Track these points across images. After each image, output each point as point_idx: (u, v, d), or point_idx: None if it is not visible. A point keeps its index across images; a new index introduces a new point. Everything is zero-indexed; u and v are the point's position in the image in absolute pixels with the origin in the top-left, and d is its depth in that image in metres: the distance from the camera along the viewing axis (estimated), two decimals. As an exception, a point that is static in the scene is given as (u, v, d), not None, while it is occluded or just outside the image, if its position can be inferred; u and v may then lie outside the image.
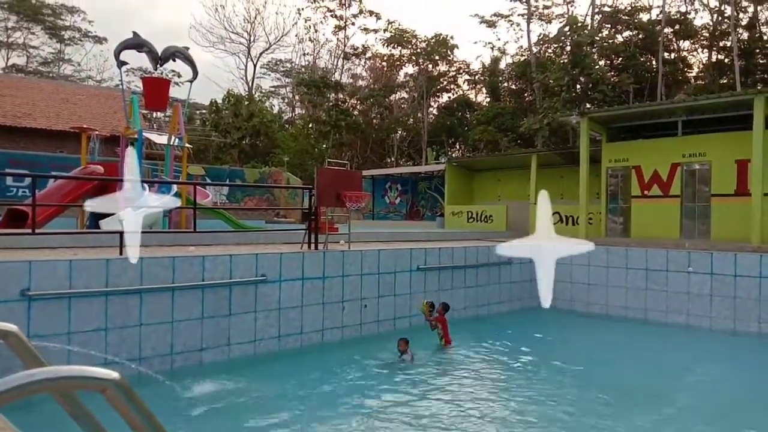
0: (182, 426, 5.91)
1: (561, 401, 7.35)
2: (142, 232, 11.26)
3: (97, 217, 12.77)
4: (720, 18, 34.51)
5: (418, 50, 43.61)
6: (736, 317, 11.37)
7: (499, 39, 59.28)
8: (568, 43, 32.69)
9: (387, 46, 44.55)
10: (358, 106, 43.24)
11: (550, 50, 37.52)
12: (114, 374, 1.29)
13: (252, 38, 47.84)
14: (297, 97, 49.02)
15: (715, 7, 34.50)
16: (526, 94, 40.05)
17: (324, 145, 39.35)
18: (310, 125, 42.82)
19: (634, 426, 6.45)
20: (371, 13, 44.24)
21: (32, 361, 1.70)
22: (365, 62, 48.21)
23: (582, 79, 30.17)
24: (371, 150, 43.17)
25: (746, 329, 11.20)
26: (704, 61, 36.34)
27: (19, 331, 1.72)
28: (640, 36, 35.12)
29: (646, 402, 7.33)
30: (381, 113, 44.01)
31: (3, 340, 1.72)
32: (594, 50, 31.53)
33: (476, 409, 6.94)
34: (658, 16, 34.71)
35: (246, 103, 40.33)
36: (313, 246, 10.27)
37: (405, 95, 46.30)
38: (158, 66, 14.35)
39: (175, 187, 13.48)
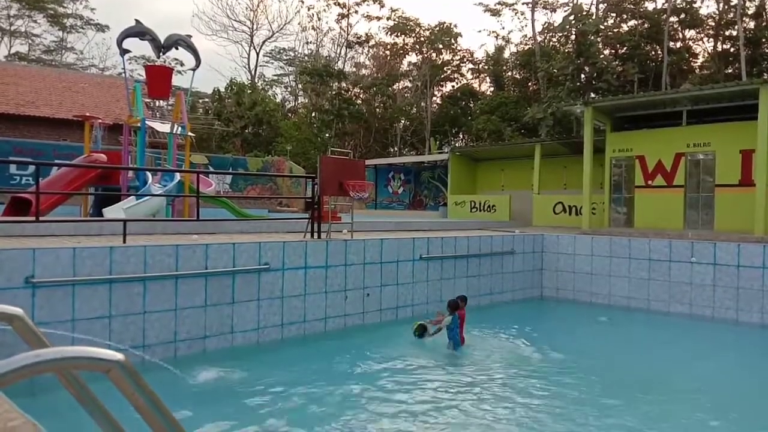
0: (185, 412, 5.95)
1: (563, 391, 7.38)
2: (146, 220, 11.33)
3: (100, 205, 12.84)
4: (726, 7, 34.19)
5: (422, 39, 43.39)
6: (738, 307, 11.37)
7: (503, 28, 59.03)
8: (573, 32, 32.49)
9: (390, 34, 44.36)
10: (361, 95, 43.12)
11: (554, 39, 37.30)
12: (119, 355, 1.30)
13: (255, 26, 47.75)
14: (300, 86, 48.91)
15: (722, -5, 34.20)
16: (530, 84, 39.87)
17: (327, 135, 39.30)
18: (313, 114, 42.72)
19: (637, 416, 6.47)
20: (374, 0, 44.01)
21: (38, 344, 1.71)
22: (368, 51, 48.05)
23: (586, 68, 30.03)
24: (374, 139, 43.09)
25: (749, 319, 11.21)
26: (710, 51, 36.08)
27: (25, 314, 1.73)
28: (646, 25, 34.86)
29: (648, 392, 7.35)
30: (384, 102, 43.88)
31: (9, 323, 1.73)
32: (599, 39, 31.33)
33: (476, 398, 6.98)
34: (663, 5, 34.42)
35: (249, 91, 40.26)
36: (315, 235, 10.28)
37: (408, 84, 46.13)
38: (161, 54, 14.33)
39: (178, 176, 13.50)
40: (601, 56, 30.47)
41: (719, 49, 34.97)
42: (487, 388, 7.37)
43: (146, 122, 13.40)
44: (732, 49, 33.63)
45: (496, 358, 8.82)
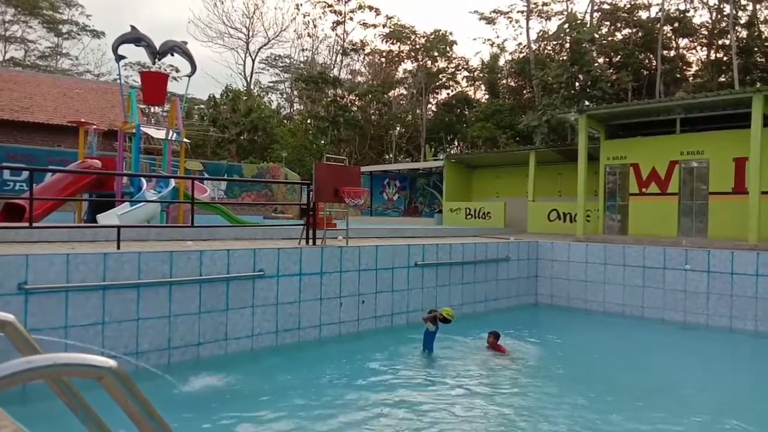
0: (179, 420, 5.91)
1: (558, 398, 7.37)
2: (140, 227, 11.28)
3: (94, 211, 12.78)
4: (719, 16, 34.52)
5: (417, 46, 43.55)
6: (732, 315, 11.40)
7: (498, 36, 59.23)
8: (568, 41, 32.68)
9: (386, 41, 44.51)
10: (356, 102, 43.20)
11: (549, 47, 37.52)
12: (111, 362, 1.29)
13: (250, 33, 47.82)
14: (295, 93, 48.98)
15: (715, 5, 34.53)
16: (525, 91, 40.05)
17: (322, 141, 39.31)
18: (309, 121, 42.77)
19: (632, 423, 6.47)
20: (370, 8, 44.20)
21: (30, 351, 1.70)
22: (364, 58, 48.19)
23: (581, 76, 30.16)
24: (369, 146, 43.13)
25: (743, 327, 11.23)
26: (703, 59, 36.37)
27: (17, 320, 1.72)
28: (640, 34, 35.14)
29: (643, 399, 7.35)
30: (379, 109, 43.96)
31: (0, 330, 1.72)
32: (593, 48, 31.52)
33: (472, 405, 6.96)
34: (657, 13, 34.71)
35: (244, 98, 40.28)
36: (311, 241, 10.27)
37: (404, 91, 46.25)
38: (156, 60, 14.32)
39: (173, 182, 13.46)
40: (596, 64, 30.65)
41: (712, 57, 35.25)
42: (485, 393, 7.35)
43: (141, 128, 13.37)
44: (725, 58, 33.92)
45: (493, 365, 8.80)
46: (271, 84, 52.90)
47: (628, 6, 35.97)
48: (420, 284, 11.36)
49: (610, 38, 35.20)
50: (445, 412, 6.63)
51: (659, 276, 12.35)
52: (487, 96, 43.29)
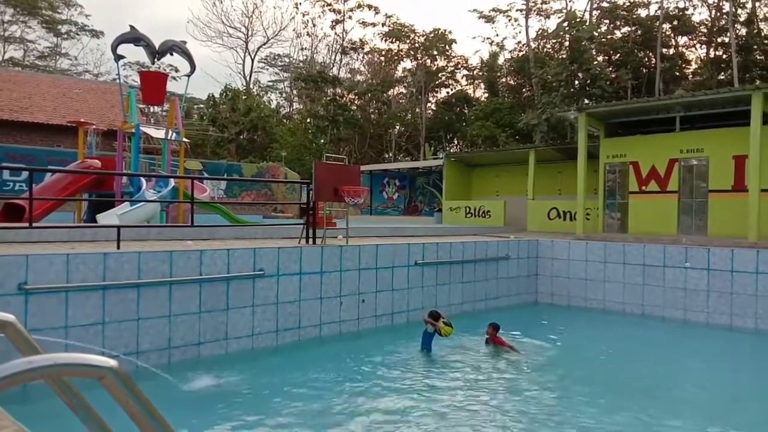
0: (180, 419, 5.91)
1: (558, 396, 7.38)
2: (140, 227, 11.28)
3: (94, 211, 12.78)
4: (718, 14, 34.49)
5: (417, 45, 43.49)
6: (732, 313, 11.40)
7: (497, 34, 58.52)
8: (567, 39, 32.67)
9: (385, 40, 44.47)
10: (356, 101, 43.16)
11: (548, 46, 37.48)
12: (112, 362, 1.29)
13: (250, 33, 47.82)
14: (295, 92, 48.96)
15: (714, 2, 34.49)
16: (524, 90, 40.01)
17: (322, 140, 39.29)
18: (308, 120, 42.75)
19: (632, 421, 6.48)
20: (369, 6, 44.15)
21: (30, 351, 1.70)
22: (363, 57, 48.16)
23: (580, 74, 30.14)
24: (369, 145, 43.11)
25: (743, 325, 11.23)
26: (702, 57, 36.35)
27: (17, 321, 1.72)
28: (639, 32, 35.11)
29: (643, 397, 7.36)
30: (379, 108, 43.92)
31: (1, 330, 1.72)
32: (592, 46, 31.49)
33: (471, 404, 6.96)
34: (656, 11, 34.67)
35: (244, 97, 40.28)
36: (310, 241, 10.27)
37: (403, 90, 46.21)
38: (156, 60, 14.32)
39: (172, 182, 13.46)
40: (595, 62, 30.62)
41: (712, 55, 35.24)
42: (484, 392, 7.35)
43: (141, 128, 13.37)
44: (724, 56, 33.90)
45: (492, 363, 8.80)
46: (271, 83, 52.98)
47: (627, 4, 35.92)
48: (420, 283, 11.36)
49: (609, 36, 35.16)
50: (443, 411, 6.63)
51: (659, 274, 12.35)
52: (486, 94, 43.24)
